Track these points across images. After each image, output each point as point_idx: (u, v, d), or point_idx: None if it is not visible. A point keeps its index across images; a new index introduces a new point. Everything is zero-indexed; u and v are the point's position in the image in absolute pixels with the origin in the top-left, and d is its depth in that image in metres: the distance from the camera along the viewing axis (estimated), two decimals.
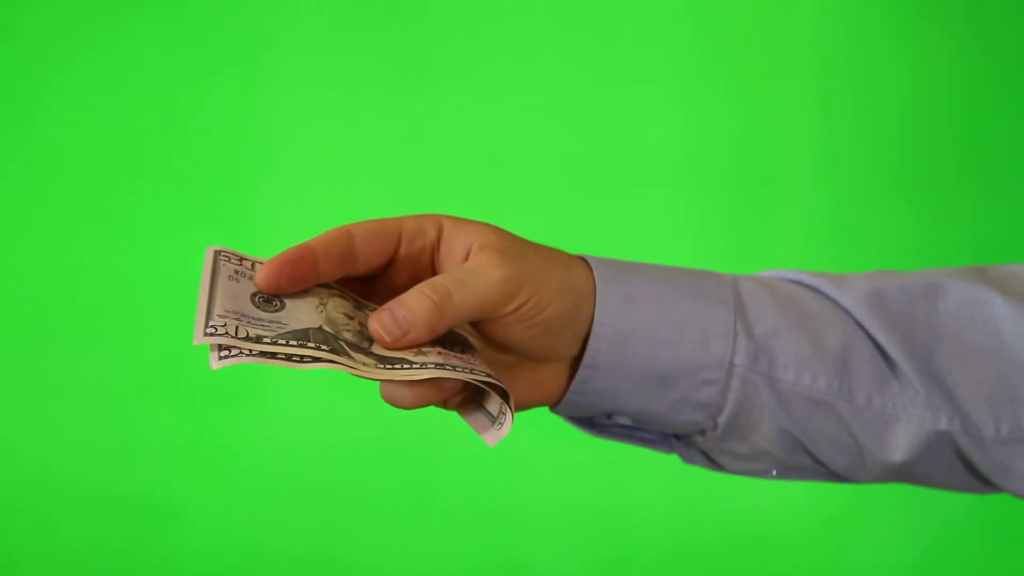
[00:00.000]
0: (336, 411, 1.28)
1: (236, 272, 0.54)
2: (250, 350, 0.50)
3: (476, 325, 0.56)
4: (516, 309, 0.55)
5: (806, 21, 1.26)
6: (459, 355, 0.54)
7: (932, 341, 0.63)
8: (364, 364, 0.51)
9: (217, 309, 0.51)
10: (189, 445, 1.29)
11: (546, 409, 0.63)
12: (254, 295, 0.53)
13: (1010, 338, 0.62)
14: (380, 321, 0.53)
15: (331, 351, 0.51)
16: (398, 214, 0.57)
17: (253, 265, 0.55)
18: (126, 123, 1.27)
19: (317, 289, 0.55)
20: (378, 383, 0.53)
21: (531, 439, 1.22)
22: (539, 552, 1.30)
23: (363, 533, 1.29)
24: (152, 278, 1.27)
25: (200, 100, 1.27)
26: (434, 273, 0.57)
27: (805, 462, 0.64)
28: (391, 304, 0.53)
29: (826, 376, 0.61)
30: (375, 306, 0.56)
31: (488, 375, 0.53)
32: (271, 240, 0.64)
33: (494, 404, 0.55)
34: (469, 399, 0.56)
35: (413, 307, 0.53)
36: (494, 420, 0.54)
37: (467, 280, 0.54)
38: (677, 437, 0.65)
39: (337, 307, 0.54)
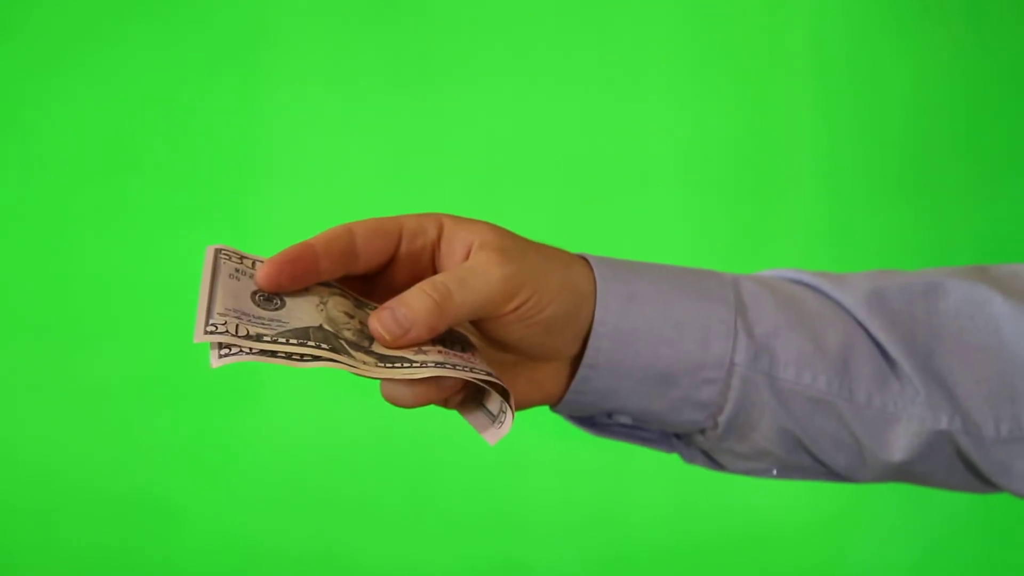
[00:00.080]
0: (336, 411, 1.28)
1: (236, 271, 0.54)
2: (250, 348, 0.50)
3: (476, 324, 0.56)
4: (516, 308, 0.55)
5: (806, 21, 1.26)
6: (459, 354, 0.54)
7: (932, 340, 0.63)
8: (364, 363, 0.51)
9: (217, 307, 0.51)
10: (189, 445, 1.29)
11: (546, 408, 0.63)
12: (254, 293, 0.53)
13: (1010, 337, 0.62)
14: (380, 320, 0.53)
15: (331, 350, 0.51)
16: (398, 213, 0.57)
17: (254, 264, 0.55)
18: (126, 123, 1.27)
19: (317, 288, 0.55)
20: (378, 382, 0.53)
21: (531, 439, 1.22)
22: (539, 552, 1.30)
23: (363, 533, 1.29)
24: (152, 278, 1.27)
25: (200, 100, 1.27)
26: (434, 272, 0.57)
27: (805, 461, 0.64)
28: (391, 303, 0.53)
29: (826, 375, 0.61)
30: (375, 305, 0.56)
31: (488, 374, 0.53)
32: (271, 240, 0.64)
33: (494, 403, 0.55)
34: (469, 398, 0.56)
35: (413, 306, 0.53)
36: (494, 419, 0.54)
37: (467, 279, 0.54)
38: (677, 436, 0.65)
39: (337, 306, 0.54)
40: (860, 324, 0.63)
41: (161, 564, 1.29)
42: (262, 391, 1.28)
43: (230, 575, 1.30)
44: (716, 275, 0.62)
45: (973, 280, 0.64)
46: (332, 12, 1.27)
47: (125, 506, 1.28)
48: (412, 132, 1.28)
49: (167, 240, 1.26)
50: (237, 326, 0.50)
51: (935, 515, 1.28)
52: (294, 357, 0.50)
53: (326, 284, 0.55)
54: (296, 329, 0.51)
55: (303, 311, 0.53)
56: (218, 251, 0.54)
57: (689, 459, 0.66)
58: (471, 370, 0.53)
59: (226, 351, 0.49)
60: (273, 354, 0.50)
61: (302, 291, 0.54)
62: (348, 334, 0.53)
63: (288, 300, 0.53)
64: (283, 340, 0.50)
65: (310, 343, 0.51)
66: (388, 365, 0.52)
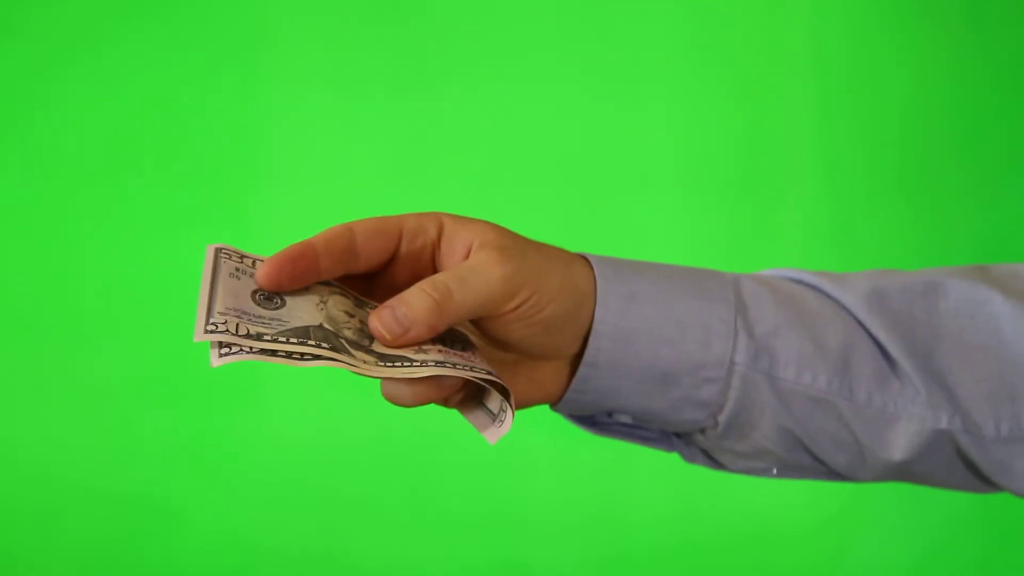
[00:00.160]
0: (336, 411, 1.28)
1: (237, 270, 0.54)
2: (250, 347, 0.50)
3: (477, 323, 0.56)
4: (516, 307, 0.55)
5: (806, 21, 1.27)
6: (460, 353, 0.54)
7: (932, 340, 0.63)
8: (364, 362, 0.51)
9: (218, 306, 0.51)
10: (189, 445, 1.29)
11: (547, 407, 0.63)
12: (255, 293, 0.53)
13: (1010, 337, 0.62)
14: (381, 319, 0.53)
15: (331, 349, 0.51)
16: (399, 213, 0.57)
17: (254, 263, 0.55)
18: (126, 123, 1.27)
19: (318, 287, 0.55)
20: (378, 381, 0.53)
21: (531, 438, 1.22)
22: (539, 552, 1.30)
23: (363, 533, 1.29)
24: (152, 278, 1.27)
25: (200, 100, 1.27)
26: (435, 271, 0.57)
27: (805, 461, 0.64)
28: (392, 302, 0.53)
29: (827, 375, 0.61)
30: (376, 304, 0.56)
31: (489, 372, 0.53)
32: (271, 240, 0.64)
33: (495, 402, 0.55)
34: (470, 397, 0.56)
35: (414, 305, 0.53)
36: (495, 418, 0.54)
37: (468, 278, 0.54)
38: (678, 435, 0.65)
39: (338, 305, 0.54)
40: (860, 324, 0.63)
41: (161, 564, 1.29)
42: (262, 391, 1.28)
43: (230, 575, 1.29)
44: (716, 274, 0.62)
45: (973, 280, 0.64)
46: (332, 12, 1.27)
47: (125, 506, 1.28)
48: (412, 132, 1.28)
49: (167, 240, 1.26)
50: (237, 325, 0.50)
51: (935, 515, 1.28)
52: (294, 356, 0.50)
53: (326, 283, 0.55)
54: (296, 328, 0.51)
55: (303, 310, 0.53)
56: (218, 250, 0.54)
57: (689, 458, 0.66)
58: (471, 369, 0.53)
59: (226, 350, 0.49)
60: (273, 353, 0.50)
61: (302, 290, 0.54)
62: (348, 333, 0.53)
63: (288, 299, 0.53)
64: (283, 339, 0.50)
65: (310, 342, 0.51)
66: (388, 364, 0.52)
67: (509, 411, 0.53)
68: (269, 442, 1.29)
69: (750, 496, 1.29)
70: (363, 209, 0.64)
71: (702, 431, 0.63)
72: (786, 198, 1.28)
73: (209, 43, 1.27)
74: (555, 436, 1.22)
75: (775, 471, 0.65)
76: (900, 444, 0.62)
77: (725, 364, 0.60)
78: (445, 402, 0.56)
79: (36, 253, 1.27)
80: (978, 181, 1.27)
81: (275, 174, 1.28)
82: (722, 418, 0.61)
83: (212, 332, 0.49)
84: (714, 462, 0.66)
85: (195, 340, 0.49)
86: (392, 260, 0.56)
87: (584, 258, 0.60)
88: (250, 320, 0.51)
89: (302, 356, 0.50)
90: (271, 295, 0.53)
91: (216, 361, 0.49)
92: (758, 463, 0.64)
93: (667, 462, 0.78)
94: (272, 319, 0.51)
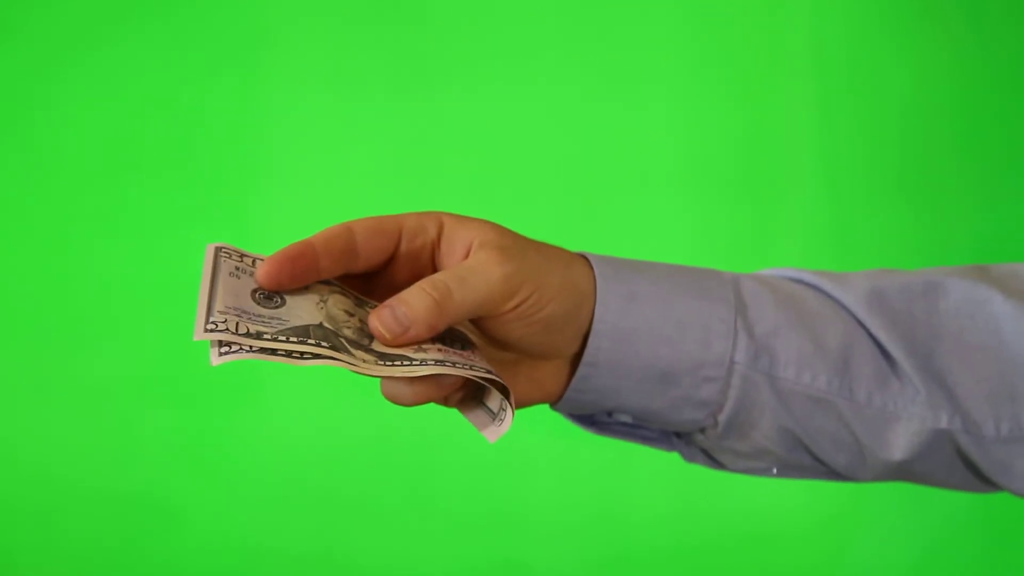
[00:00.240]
0: (336, 411, 1.28)
1: (237, 269, 0.54)
2: (250, 346, 0.50)
3: (476, 322, 0.57)
4: (516, 307, 0.55)
5: (806, 21, 1.27)
6: (459, 352, 0.54)
7: (932, 340, 0.63)
8: (364, 361, 0.51)
9: (218, 305, 0.51)
10: (189, 445, 1.29)
11: (547, 407, 0.63)
12: (255, 292, 0.53)
13: (1010, 337, 0.62)
14: (380, 318, 0.53)
15: (331, 348, 0.51)
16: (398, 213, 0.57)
17: (254, 262, 0.55)
18: (126, 123, 1.27)
19: (317, 286, 0.55)
20: (378, 380, 0.53)
21: (531, 438, 1.22)
22: (539, 552, 1.30)
23: (363, 533, 1.29)
24: (152, 278, 1.27)
25: (200, 100, 1.27)
26: (435, 270, 0.57)
27: (805, 460, 0.64)
28: (391, 301, 0.53)
29: (827, 374, 0.61)
30: (375, 303, 0.56)
31: (488, 371, 0.53)
32: (271, 239, 0.64)
33: (494, 401, 0.55)
34: (469, 396, 0.56)
35: (413, 304, 0.53)
36: (495, 417, 0.54)
37: (467, 277, 0.54)
38: (678, 435, 0.65)
39: (337, 304, 0.54)
40: (860, 323, 0.63)
41: (161, 564, 1.29)
42: (262, 391, 1.28)
43: (230, 575, 1.29)
44: (716, 274, 0.62)
45: (973, 279, 0.64)
46: (332, 13, 1.27)
47: (125, 506, 1.28)
48: (412, 132, 1.28)
49: (167, 240, 1.26)
50: (237, 324, 0.50)
51: (935, 515, 1.28)
52: (294, 355, 0.50)
53: (326, 282, 0.55)
54: (296, 327, 0.51)
55: (303, 309, 0.53)
56: (218, 249, 0.54)
57: (689, 458, 0.66)
58: (471, 368, 0.53)
59: (226, 349, 0.49)
60: (273, 352, 0.50)
61: (302, 289, 0.54)
62: (348, 332, 0.53)
63: (288, 298, 0.53)
64: (283, 338, 0.50)
65: (310, 341, 0.51)
66: (388, 363, 0.52)
67: (509, 410, 0.53)
68: (269, 442, 1.29)
69: (750, 496, 1.29)
70: (363, 209, 0.64)
71: (702, 431, 0.63)
72: (786, 198, 1.28)
73: (209, 43, 1.27)
74: (555, 436, 1.22)
75: (775, 471, 0.65)
76: (900, 444, 0.62)
77: (725, 364, 0.60)
78: (445, 401, 0.56)
79: (36, 253, 1.27)
80: (978, 181, 1.27)
81: (275, 174, 1.28)
82: (722, 418, 0.61)
83: (212, 331, 0.49)
84: (714, 462, 0.66)
85: (195, 339, 0.49)
86: (392, 259, 0.56)
87: (584, 258, 0.60)
88: (250, 319, 0.51)
89: (302, 355, 0.50)
90: (271, 294, 0.53)
91: (216, 360, 0.49)
92: (758, 463, 0.64)
93: (667, 462, 0.78)
94: (272, 318, 0.51)
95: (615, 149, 1.28)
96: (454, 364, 0.52)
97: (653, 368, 0.59)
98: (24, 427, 1.28)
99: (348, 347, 0.52)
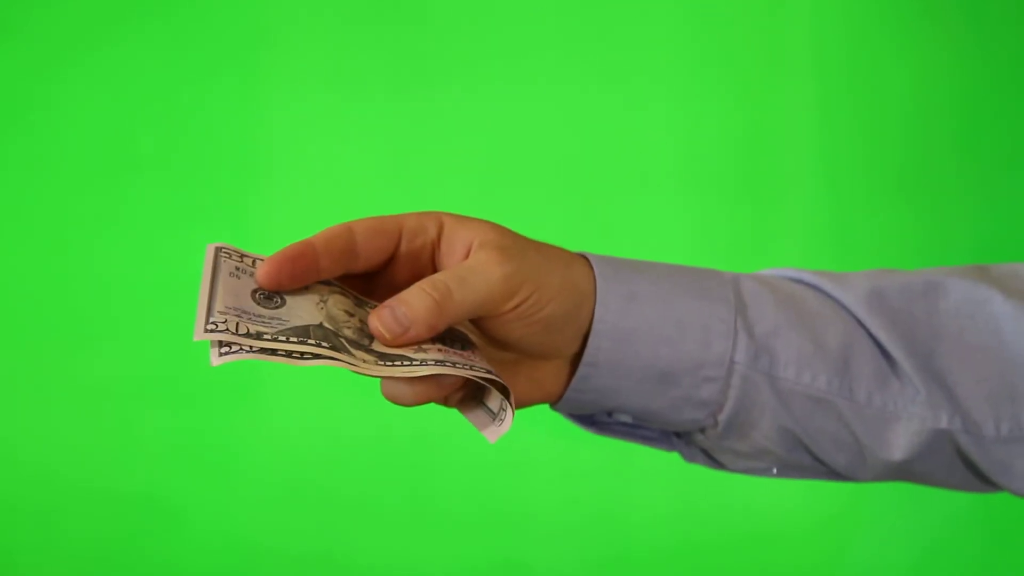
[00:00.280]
0: (336, 411, 1.28)
1: (237, 269, 0.54)
2: (250, 346, 0.50)
3: (476, 322, 0.56)
4: (516, 307, 0.55)
5: (806, 21, 1.27)
6: (459, 352, 0.54)
7: (932, 340, 0.63)
8: (364, 361, 0.51)
9: (218, 305, 0.51)
10: (189, 445, 1.29)
11: (547, 407, 0.63)
12: (255, 292, 0.53)
13: (1010, 337, 0.62)
14: (380, 318, 0.53)
15: (331, 348, 0.51)
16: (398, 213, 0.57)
17: (254, 262, 0.55)
18: (126, 123, 1.27)
19: (317, 286, 0.55)
20: (378, 381, 0.53)
21: (531, 438, 1.22)
22: (539, 552, 1.30)
23: (363, 533, 1.29)
24: (152, 278, 1.27)
25: (200, 100, 1.27)
26: (435, 270, 0.57)
27: (805, 460, 0.64)
28: (391, 301, 0.53)
29: (826, 374, 0.61)
30: (375, 303, 0.56)
31: (488, 371, 0.53)
32: (271, 239, 0.64)
33: (495, 401, 0.55)
34: (470, 396, 0.56)
35: (413, 304, 0.53)
36: (495, 416, 0.54)
37: (467, 277, 0.54)
38: (678, 435, 0.65)
39: (337, 304, 0.54)
40: (860, 323, 0.63)
41: (161, 564, 1.29)
42: (262, 391, 1.28)
43: (230, 575, 1.29)
44: (716, 274, 0.62)
45: (973, 279, 0.64)
46: (332, 13, 1.27)
47: (125, 506, 1.28)
48: (412, 132, 1.28)
49: (167, 240, 1.26)
50: (237, 324, 0.50)
51: (935, 515, 1.28)
52: (294, 355, 0.50)
53: (326, 282, 0.55)
54: (296, 327, 0.51)
55: (303, 309, 0.53)
56: (218, 249, 0.54)
57: (689, 458, 0.66)
58: (471, 368, 0.53)
59: (226, 349, 0.49)
60: (273, 352, 0.50)
61: (302, 289, 0.54)
62: (348, 332, 0.53)
63: (288, 298, 0.53)
64: (283, 338, 0.50)
65: (310, 341, 0.51)
66: (388, 363, 0.52)
67: (509, 410, 0.53)
68: (269, 442, 1.29)
69: (750, 496, 1.29)
70: (363, 209, 0.64)
71: (702, 431, 0.63)
72: (786, 198, 1.28)
73: (209, 43, 1.27)
74: (555, 436, 1.22)
75: (775, 471, 0.65)
76: (900, 444, 0.62)
77: (725, 364, 0.60)
78: (445, 401, 0.56)
79: (36, 253, 1.27)
80: (978, 181, 1.27)
81: (275, 174, 1.28)
82: (722, 418, 0.61)
83: (212, 331, 0.49)
84: (714, 462, 0.66)
85: (195, 339, 0.49)
86: (392, 259, 0.56)
87: (584, 258, 0.60)
88: (250, 319, 0.51)
89: (302, 355, 0.50)
90: (271, 294, 0.53)
91: (216, 360, 0.49)
92: (758, 463, 0.64)
93: (667, 462, 0.78)
94: (272, 318, 0.51)
95: (615, 149, 1.28)
96: (454, 364, 0.52)
97: (653, 368, 0.59)
98: (24, 427, 1.28)
99: (348, 347, 0.52)
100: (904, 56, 1.26)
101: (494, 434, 0.54)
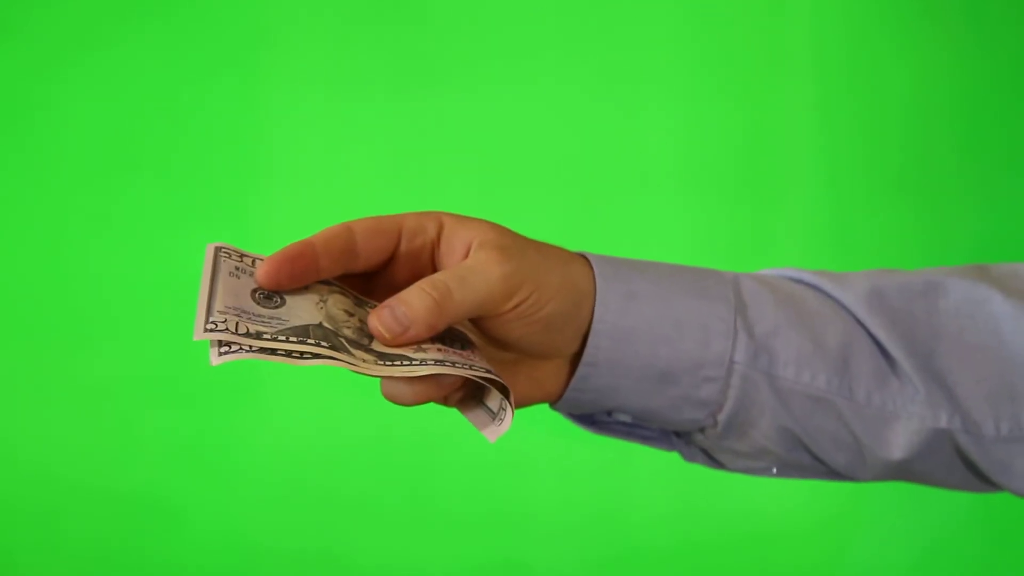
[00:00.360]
0: (336, 411, 1.28)
1: (236, 268, 0.54)
2: (250, 346, 0.50)
3: (476, 322, 0.56)
4: (516, 306, 0.55)
5: (806, 21, 1.27)
6: (459, 352, 0.54)
7: (932, 339, 0.63)
8: (364, 361, 0.51)
9: (217, 305, 0.51)
10: (189, 445, 1.29)
11: (546, 407, 0.63)
12: (254, 291, 0.53)
13: (1010, 336, 0.62)
14: (380, 318, 0.53)
15: (331, 348, 0.51)
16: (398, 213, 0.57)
17: (254, 262, 0.55)
18: (126, 123, 1.27)
19: (317, 286, 0.55)
20: (378, 380, 0.53)
21: (531, 437, 1.22)
22: (539, 552, 1.30)
23: (363, 533, 1.29)
24: (152, 278, 1.27)
25: (200, 100, 1.27)
26: (434, 270, 0.57)
27: (805, 460, 0.64)
28: (391, 301, 0.53)
29: (826, 374, 0.61)
30: (375, 303, 0.56)
31: (488, 371, 0.53)
32: (271, 239, 0.64)
33: (494, 400, 0.55)
34: (469, 395, 0.56)
35: (413, 304, 0.53)
36: (494, 416, 0.54)
37: (467, 277, 0.54)
38: (677, 435, 0.65)
39: (337, 304, 0.54)
40: (860, 323, 0.63)
41: (161, 564, 1.29)
42: (262, 391, 1.28)
43: (230, 575, 1.29)
44: (716, 273, 0.62)
45: (973, 279, 0.64)
46: (332, 13, 1.27)
47: (125, 506, 1.28)
48: (412, 132, 1.28)
49: (167, 240, 1.26)
50: (237, 324, 0.50)
51: (935, 515, 1.28)
52: (294, 355, 0.50)
53: (326, 282, 0.55)
54: (296, 327, 0.51)
55: (303, 309, 0.53)
56: (218, 249, 0.54)
57: (689, 458, 0.66)
58: (471, 367, 0.53)
59: (226, 349, 0.49)
60: (273, 352, 0.50)
61: (302, 289, 0.54)
62: (348, 332, 0.53)
63: (288, 298, 0.53)
64: (283, 338, 0.50)
65: (310, 341, 0.51)
66: (388, 363, 0.52)
67: (509, 409, 0.53)
68: (269, 442, 1.29)
69: (750, 496, 1.29)
70: (363, 209, 0.64)
71: (702, 430, 0.63)
72: (786, 198, 1.28)
73: (209, 43, 1.27)
74: (555, 436, 1.22)
75: (775, 470, 0.65)
76: (899, 443, 0.62)
77: (724, 363, 0.60)
78: (445, 401, 0.56)
79: (36, 253, 1.27)
80: (978, 181, 1.27)
81: (275, 174, 1.28)
82: (722, 417, 0.61)
83: (212, 331, 0.49)
84: (714, 461, 0.66)
85: (195, 339, 0.49)
86: (391, 259, 0.56)
87: (584, 257, 0.60)
88: (250, 319, 0.51)
89: (301, 355, 0.50)
90: (271, 294, 0.53)
91: (216, 360, 0.49)
92: (758, 462, 0.64)
93: (667, 462, 0.78)
94: (272, 318, 0.51)
95: (615, 149, 1.28)
96: (454, 364, 0.52)
97: (653, 367, 0.59)
98: (24, 427, 1.28)
99: (348, 347, 0.52)
100: (904, 56, 1.26)
101: (494, 434, 0.54)
